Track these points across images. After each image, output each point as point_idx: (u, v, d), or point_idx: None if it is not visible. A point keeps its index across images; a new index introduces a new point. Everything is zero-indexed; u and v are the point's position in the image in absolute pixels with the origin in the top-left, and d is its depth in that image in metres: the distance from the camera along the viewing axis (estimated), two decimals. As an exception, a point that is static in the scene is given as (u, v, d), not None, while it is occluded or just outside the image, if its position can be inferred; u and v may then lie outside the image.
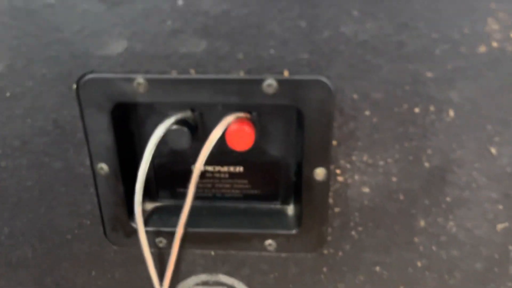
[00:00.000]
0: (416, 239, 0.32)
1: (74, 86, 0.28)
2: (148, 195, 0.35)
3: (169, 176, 0.34)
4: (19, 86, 0.28)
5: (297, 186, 0.33)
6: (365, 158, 0.29)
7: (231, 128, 0.29)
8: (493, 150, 0.28)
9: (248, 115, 0.30)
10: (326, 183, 0.30)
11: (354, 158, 0.29)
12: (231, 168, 0.34)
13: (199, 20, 0.26)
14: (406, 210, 0.31)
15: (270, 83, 0.27)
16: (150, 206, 0.36)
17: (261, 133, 0.32)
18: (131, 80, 0.27)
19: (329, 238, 0.32)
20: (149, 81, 0.27)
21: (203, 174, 0.34)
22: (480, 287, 0.33)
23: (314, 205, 0.31)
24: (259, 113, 0.31)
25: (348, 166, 0.30)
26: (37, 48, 0.27)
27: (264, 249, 0.33)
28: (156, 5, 0.26)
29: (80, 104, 0.29)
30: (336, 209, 0.31)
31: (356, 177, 0.30)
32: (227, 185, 0.35)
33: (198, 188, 0.35)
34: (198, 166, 0.29)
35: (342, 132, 0.28)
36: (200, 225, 0.33)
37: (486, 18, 0.25)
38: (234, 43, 0.26)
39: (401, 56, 0.26)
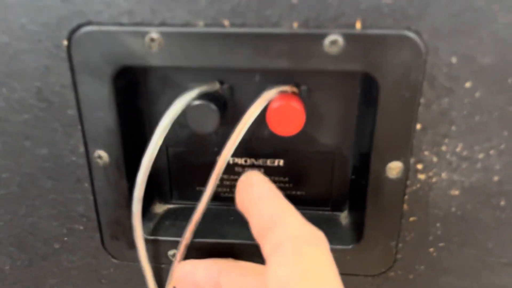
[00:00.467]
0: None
1: (65, 42, 0.26)
2: (159, 194, 0.33)
3: (187, 170, 0.32)
4: None
5: (355, 187, 0.30)
6: (459, 148, 0.26)
7: (274, 105, 0.26)
8: None
9: (295, 89, 0.27)
10: (401, 183, 0.27)
11: (444, 148, 0.26)
12: (268, 162, 0.31)
13: None
14: (507, 221, 0.28)
15: (334, 39, 0.24)
16: (161, 208, 0.33)
17: (311, 114, 0.28)
18: (141, 35, 0.25)
19: (398, 256, 0.30)
20: (166, 36, 0.25)
21: (229, 169, 0.31)
22: None
23: (382, 211, 0.28)
24: (309, 88, 0.27)
25: (435, 159, 0.27)
26: None
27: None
28: None
29: (72, 69, 0.26)
30: (412, 218, 0.28)
31: (444, 174, 0.27)
32: None
33: (221, 185, 0.32)
34: (225, 155, 0.26)
35: (431, 112, 0.25)
36: (219, 235, 0.31)
37: None
38: None
39: None
